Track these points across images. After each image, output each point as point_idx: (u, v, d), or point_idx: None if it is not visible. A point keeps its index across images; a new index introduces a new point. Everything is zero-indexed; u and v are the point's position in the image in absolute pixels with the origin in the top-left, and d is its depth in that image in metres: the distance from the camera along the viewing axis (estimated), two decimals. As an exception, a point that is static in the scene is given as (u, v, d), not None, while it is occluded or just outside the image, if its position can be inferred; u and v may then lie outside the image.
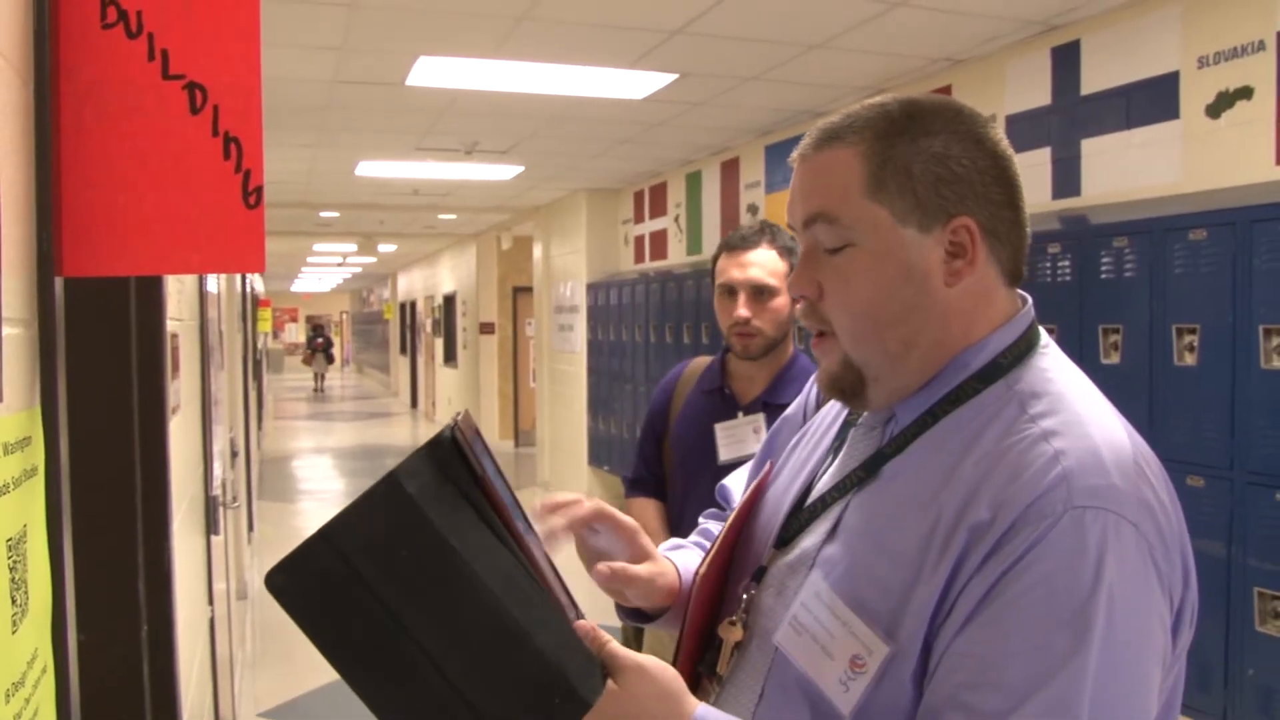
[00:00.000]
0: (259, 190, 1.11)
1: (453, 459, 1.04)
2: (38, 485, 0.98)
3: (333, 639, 1.00)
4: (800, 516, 1.23)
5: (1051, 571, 0.98)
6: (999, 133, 1.16)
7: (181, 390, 2.56)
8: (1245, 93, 3.87)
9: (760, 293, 2.43)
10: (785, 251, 2.46)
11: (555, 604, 1.09)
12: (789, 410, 1.51)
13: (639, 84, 5.72)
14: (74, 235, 1.06)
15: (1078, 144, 4.62)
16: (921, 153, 1.10)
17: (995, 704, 0.97)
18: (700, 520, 1.69)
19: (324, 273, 26.61)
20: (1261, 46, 3.80)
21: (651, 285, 8.31)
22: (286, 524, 9.77)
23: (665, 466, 2.71)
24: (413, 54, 5.12)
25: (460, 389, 16.50)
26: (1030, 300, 1.21)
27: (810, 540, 1.19)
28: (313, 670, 5.53)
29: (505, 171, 8.88)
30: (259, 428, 13.21)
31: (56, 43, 1.04)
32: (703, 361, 2.74)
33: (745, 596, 1.25)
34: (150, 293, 1.95)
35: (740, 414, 2.51)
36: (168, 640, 2.00)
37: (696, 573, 1.33)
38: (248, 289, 9.45)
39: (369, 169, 8.73)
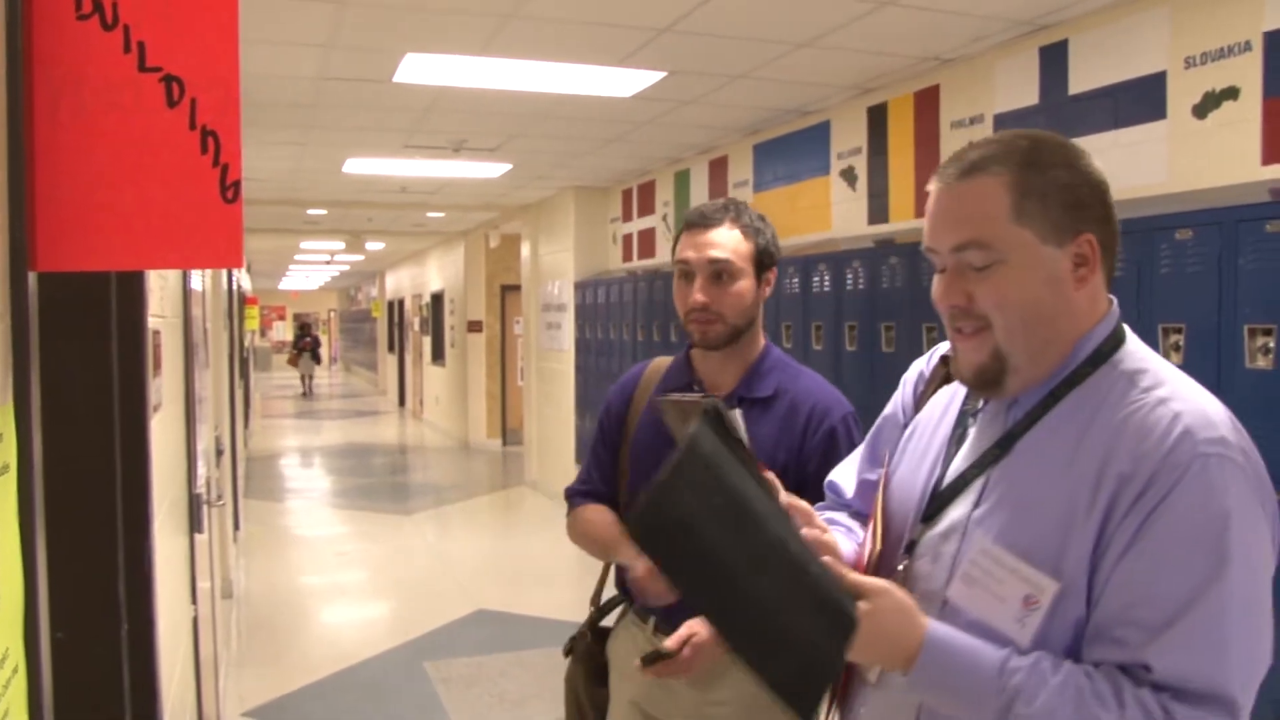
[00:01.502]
0: (237, 184, 1.10)
1: (719, 424, 1.23)
2: (9, 483, 0.97)
3: (679, 573, 1.21)
4: (943, 494, 1.44)
5: (1190, 507, 1.22)
6: (1095, 161, 1.42)
7: (164, 388, 2.54)
8: (1231, 93, 3.88)
9: (720, 275, 2.19)
10: (750, 232, 2.23)
11: (807, 542, 1.30)
12: (888, 411, 1.73)
13: (627, 82, 5.71)
14: (48, 229, 1.05)
15: (1065, 144, 4.63)
16: (1052, 183, 1.34)
17: (1156, 618, 1.21)
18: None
19: (312, 270, 26.55)
20: (1248, 47, 3.80)
21: (640, 284, 8.30)
22: (273, 523, 9.73)
23: (619, 478, 2.44)
24: (400, 51, 5.10)
25: (448, 387, 16.48)
26: (1115, 299, 1.44)
27: (958, 511, 1.40)
28: (297, 669, 5.52)
29: (493, 169, 8.86)
30: (245, 426, 13.17)
31: (30, 33, 1.03)
32: (664, 362, 2.47)
33: (901, 568, 1.45)
34: (131, 289, 1.94)
35: None
36: (148, 639, 1.99)
37: (870, 555, 1.51)
38: (234, 286, 9.41)
39: (356, 166, 8.71)
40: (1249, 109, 3.80)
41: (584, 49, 5.10)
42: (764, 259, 2.23)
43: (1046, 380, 1.38)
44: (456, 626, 6.37)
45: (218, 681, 4.54)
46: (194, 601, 3.34)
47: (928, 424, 1.57)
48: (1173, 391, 1.31)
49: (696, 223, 2.23)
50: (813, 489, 2.11)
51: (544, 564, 8.05)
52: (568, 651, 2.47)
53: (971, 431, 1.47)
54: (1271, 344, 3.27)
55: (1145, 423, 1.27)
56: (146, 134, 1.07)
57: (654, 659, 1.99)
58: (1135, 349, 1.40)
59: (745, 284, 2.20)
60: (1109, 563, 1.25)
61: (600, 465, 2.47)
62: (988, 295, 1.35)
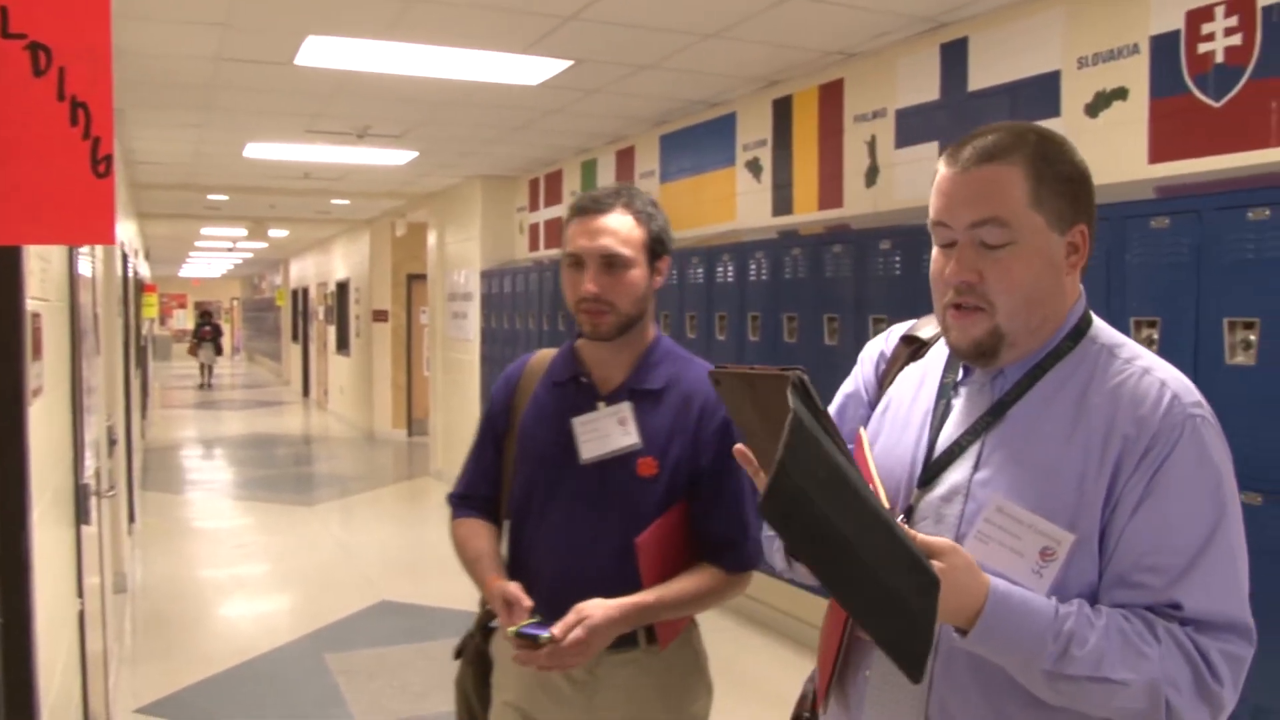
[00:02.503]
0: (109, 158, 1.06)
1: (807, 395, 1.25)
2: None
3: (804, 546, 1.27)
4: (938, 461, 1.53)
5: (1190, 463, 1.39)
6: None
7: (45, 374, 2.46)
8: (1121, 93, 3.99)
9: (612, 264, 2.09)
10: (643, 218, 2.13)
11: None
12: (850, 389, 1.77)
13: (533, 70, 5.67)
14: (-95, 202, 1.00)
15: (964, 139, 4.71)
16: (1059, 175, 1.46)
17: (1178, 562, 1.37)
18: None
19: (213, 258, 25.97)
20: (1136, 50, 3.91)
21: (546, 273, 8.27)
22: (171, 515, 9.49)
23: (505, 478, 2.33)
24: (300, 32, 5.01)
25: (353, 377, 16.25)
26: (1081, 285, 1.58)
27: (957, 475, 1.50)
28: (192, 664, 5.40)
29: (399, 156, 8.75)
30: (143, 416, 12.84)
31: (-116, -4, 0.98)
32: (548, 354, 2.35)
33: None
34: (6, 269, 1.87)
35: (601, 404, 2.15)
36: (25, 633, 1.92)
37: None
38: (129, 272, 9.16)
39: (258, 151, 8.53)
40: (1137, 109, 3.92)
41: (490, 35, 5.05)
42: (656, 247, 2.16)
43: (1033, 354, 1.51)
44: (359, 618, 6.29)
45: (108, 678, 4.42)
46: (80, 595, 3.24)
47: (903, 398, 1.65)
48: (1151, 362, 1.48)
49: (588, 208, 2.13)
50: (709, 482, 2.11)
51: (448, 555, 7.88)
52: (458, 653, 2.40)
53: (956, 403, 1.57)
54: (1156, 335, 3.38)
55: (1138, 390, 1.43)
56: (10, 104, 1.02)
57: (527, 639, 1.92)
58: (1103, 326, 1.55)
59: (638, 273, 2.12)
60: (1122, 516, 1.39)
61: (481, 465, 2.35)
62: (998, 274, 1.45)
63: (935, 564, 1.31)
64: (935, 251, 1.52)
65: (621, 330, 2.13)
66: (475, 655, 2.34)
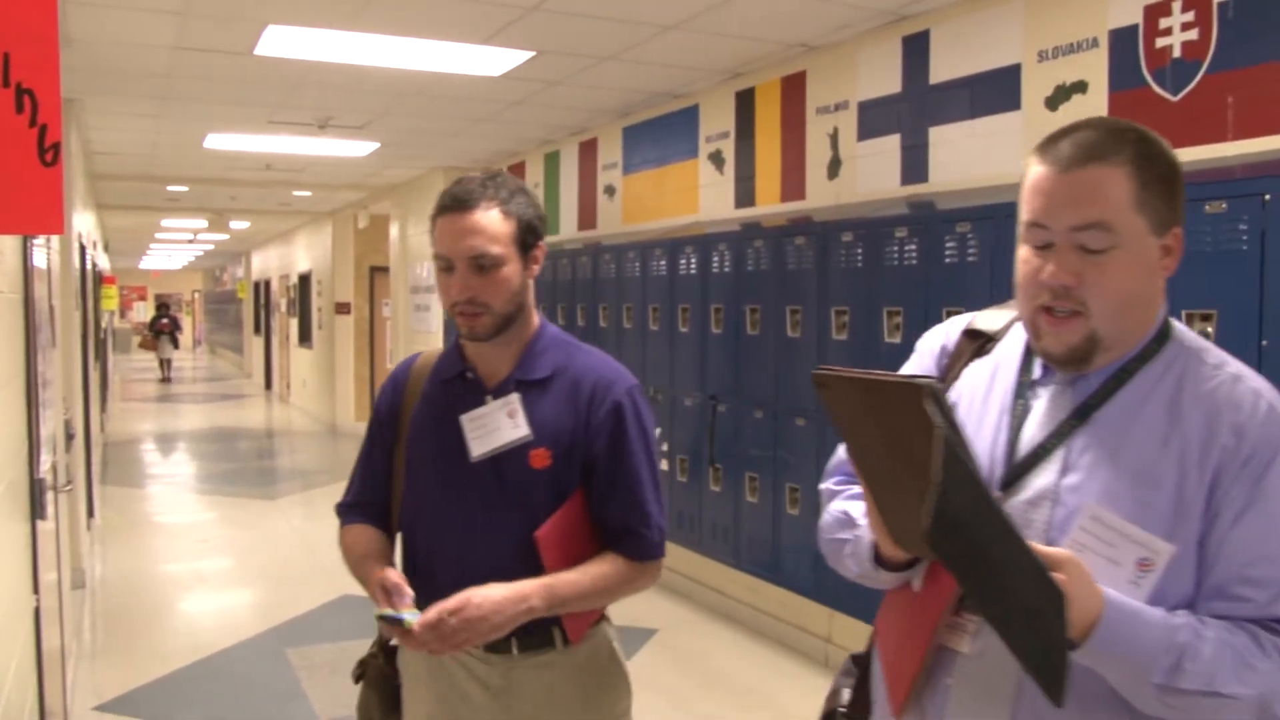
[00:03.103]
0: (57, 146, 1.04)
1: (942, 405, 1.21)
2: None
3: (958, 564, 1.25)
4: (1021, 463, 1.48)
5: None
6: None
7: (-1, 366, 2.42)
8: (1080, 87, 4.02)
9: (482, 265, 1.99)
10: (510, 210, 2.03)
11: None
12: None
13: (495, 61, 5.65)
14: None
15: (926, 131, 4.74)
16: (1160, 176, 1.41)
17: (1274, 574, 1.34)
18: (832, 488, 1.72)
19: (174, 250, 25.69)
20: (1095, 44, 3.95)
21: (510, 266, 8.23)
22: (132, 510, 9.39)
23: (394, 482, 2.22)
24: (260, 22, 4.96)
25: (315, 370, 16.14)
26: None
27: (1043, 480, 1.46)
28: (153, 660, 5.35)
29: (361, 148, 8.69)
30: (102, 409, 12.69)
31: None
32: (434, 353, 2.27)
33: None
34: (-44, 261, 1.84)
35: (489, 398, 2.08)
36: (-22, 629, 1.89)
37: None
38: (87, 264, 9.05)
39: (218, 142, 8.45)
40: (1096, 102, 3.95)
41: (452, 25, 5.02)
42: (528, 237, 2.05)
43: (1120, 356, 1.47)
44: (321, 613, 6.24)
45: (65, 674, 4.37)
46: (36, 592, 3.21)
47: (973, 395, 1.59)
48: (1240, 369, 1.45)
49: (450, 206, 2.01)
50: (603, 468, 2.04)
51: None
52: (357, 677, 2.22)
53: (1036, 403, 1.52)
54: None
55: (1232, 397, 1.40)
56: (-47, 90, 1.00)
57: (393, 624, 1.84)
58: (1184, 329, 1.52)
59: (510, 269, 2.02)
60: (1222, 527, 1.36)
61: (370, 471, 2.24)
62: (1098, 279, 1.40)
63: (1057, 576, 1.27)
64: (1025, 251, 1.47)
65: (499, 329, 2.05)
66: (378, 677, 2.19)
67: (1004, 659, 1.35)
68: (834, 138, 5.33)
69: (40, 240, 3.70)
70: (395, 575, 1.93)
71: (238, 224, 16.75)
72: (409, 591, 1.90)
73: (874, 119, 5.07)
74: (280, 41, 5.24)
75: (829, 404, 1.34)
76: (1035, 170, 1.46)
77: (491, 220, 2.00)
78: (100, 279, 12.72)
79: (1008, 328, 1.61)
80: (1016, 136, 4.28)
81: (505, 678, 2.02)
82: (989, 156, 4.40)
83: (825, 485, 1.75)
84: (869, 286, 4.50)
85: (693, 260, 5.84)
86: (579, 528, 2.04)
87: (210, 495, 10.25)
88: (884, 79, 4.99)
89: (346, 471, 2.22)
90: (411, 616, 1.82)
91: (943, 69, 4.67)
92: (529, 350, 2.11)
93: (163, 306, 26.37)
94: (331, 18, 4.89)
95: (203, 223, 16.65)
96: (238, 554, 7.92)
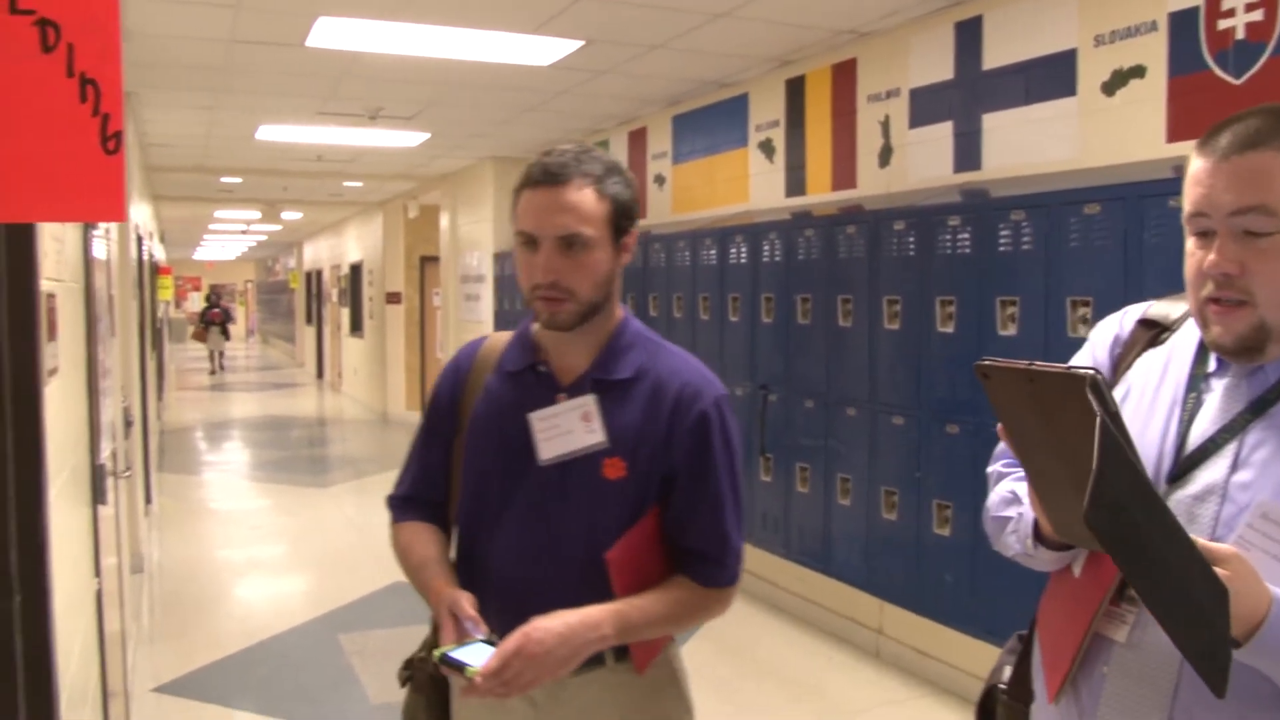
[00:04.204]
0: (118, 135, 1.06)
1: (1104, 397, 1.20)
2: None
3: (1120, 548, 1.22)
4: (1191, 456, 1.45)
5: None
6: None
7: (61, 354, 2.46)
8: (1138, 71, 3.95)
9: (571, 245, 1.80)
10: (605, 189, 1.84)
11: None
12: None
13: (545, 50, 5.65)
14: (-83, 180, 1.00)
15: (979, 119, 4.68)
16: None
17: None
18: (1001, 470, 1.70)
19: (227, 241, 25.99)
20: (1154, 27, 3.88)
21: (559, 255, 8.24)
22: (187, 496, 9.54)
23: (453, 479, 2.04)
24: (311, 14, 5.00)
25: (366, 359, 16.28)
26: None
27: (1212, 474, 1.43)
28: (208, 644, 5.44)
29: (411, 138, 8.74)
30: (159, 398, 12.89)
31: (-107, -28, 0.98)
32: (502, 338, 2.05)
33: None
34: (20, 248, 1.86)
35: (562, 397, 1.88)
36: (43, 611, 1.93)
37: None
38: (144, 255, 9.19)
39: (270, 133, 8.53)
40: (1155, 87, 3.88)
41: (501, 15, 5.03)
42: (622, 222, 1.87)
43: None
44: (372, 599, 6.31)
45: (126, 657, 4.45)
46: (98, 575, 3.26)
47: (1145, 386, 1.57)
48: None
49: (540, 180, 1.82)
50: (683, 486, 1.87)
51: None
52: (405, 680, 2.05)
53: (1209, 396, 1.49)
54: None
55: None
56: (19, 81, 1.02)
57: (455, 667, 1.65)
58: None
59: (601, 254, 1.83)
60: None
61: (426, 464, 2.06)
62: (1262, 267, 1.38)
63: (1220, 571, 1.24)
64: (1190, 244, 1.45)
65: (583, 319, 1.86)
66: (428, 682, 2.01)
67: (1162, 650, 1.35)
68: (885, 125, 5.28)
69: (99, 231, 3.76)
70: (469, 606, 1.76)
71: (289, 215, 16.92)
72: (484, 626, 1.74)
73: (926, 106, 5.01)
74: (331, 33, 5.28)
75: (992, 395, 1.33)
76: (1195, 164, 1.45)
77: (586, 199, 1.81)
78: (156, 270, 12.92)
79: (1184, 318, 1.58)
80: (1072, 123, 4.22)
81: (553, 695, 1.88)
82: (1043, 144, 4.34)
83: (993, 468, 1.74)
84: (921, 276, 4.46)
85: (743, 250, 5.82)
86: (651, 549, 1.88)
87: (263, 483, 10.38)
88: (936, 66, 4.93)
89: (397, 460, 2.17)
90: (476, 663, 1.65)
91: (996, 55, 4.61)
92: (610, 346, 1.92)
93: (213, 296, 25.60)
94: (381, 8, 4.91)
95: (255, 214, 16.84)
96: (290, 541, 8.02)
